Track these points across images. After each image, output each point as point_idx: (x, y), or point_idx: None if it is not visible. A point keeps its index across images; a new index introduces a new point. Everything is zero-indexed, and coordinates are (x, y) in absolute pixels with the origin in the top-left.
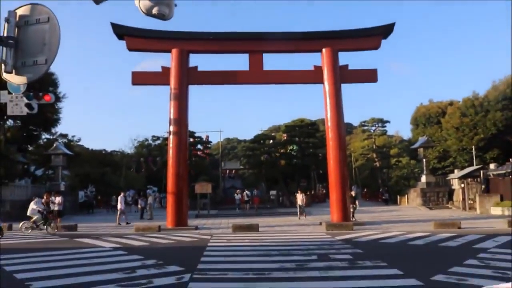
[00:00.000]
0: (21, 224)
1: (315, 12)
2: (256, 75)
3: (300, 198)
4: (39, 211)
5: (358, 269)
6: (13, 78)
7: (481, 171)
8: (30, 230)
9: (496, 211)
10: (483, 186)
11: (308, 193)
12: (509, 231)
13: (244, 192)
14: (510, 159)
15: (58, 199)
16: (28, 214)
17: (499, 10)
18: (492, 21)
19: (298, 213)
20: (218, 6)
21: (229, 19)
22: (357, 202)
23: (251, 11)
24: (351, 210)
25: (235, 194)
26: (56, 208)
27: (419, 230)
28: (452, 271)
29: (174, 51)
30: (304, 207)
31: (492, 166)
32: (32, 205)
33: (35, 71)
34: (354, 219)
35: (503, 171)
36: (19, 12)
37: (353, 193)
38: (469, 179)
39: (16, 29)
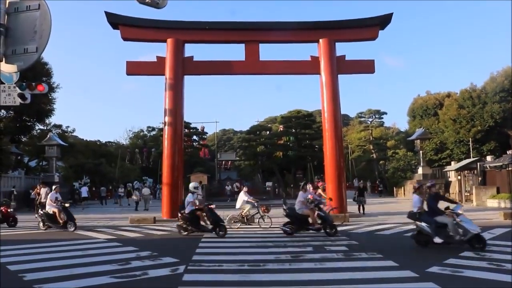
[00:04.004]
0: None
1: (313, 9)
2: (252, 65)
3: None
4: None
5: (354, 261)
6: (3, 67)
7: (478, 163)
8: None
9: (493, 203)
10: (479, 178)
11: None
12: (505, 224)
13: (234, 184)
14: (507, 152)
15: (43, 190)
16: (237, 206)
17: (497, 1)
18: (491, 12)
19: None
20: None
21: (226, 12)
22: (365, 195)
23: (247, 6)
24: (359, 204)
25: (226, 186)
26: (43, 200)
27: None
28: (447, 263)
29: (169, 41)
30: None
31: (489, 158)
32: (243, 197)
33: (25, 60)
34: (362, 213)
35: (500, 164)
36: None
37: (361, 184)
38: (466, 171)
39: (6, 17)
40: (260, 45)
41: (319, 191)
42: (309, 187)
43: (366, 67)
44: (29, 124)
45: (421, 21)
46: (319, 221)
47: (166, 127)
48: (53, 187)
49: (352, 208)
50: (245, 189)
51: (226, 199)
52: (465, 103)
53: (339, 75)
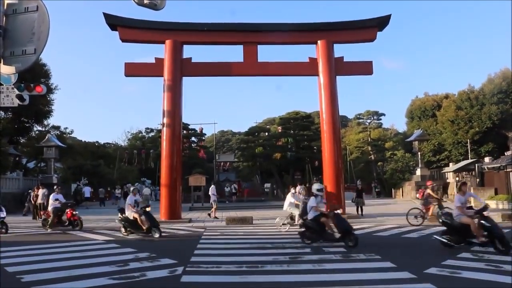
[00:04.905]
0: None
1: (311, 10)
2: (251, 67)
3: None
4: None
5: (352, 262)
6: (1, 68)
7: (476, 165)
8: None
9: (491, 204)
10: (477, 180)
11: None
12: (503, 225)
13: (232, 185)
14: (505, 153)
15: (41, 191)
16: (284, 208)
17: (495, 2)
18: (489, 14)
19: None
20: (214, 1)
21: (226, 13)
22: (363, 196)
23: (245, 7)
24: (357, 205)
25: (225, 187)
26: (39, 201)
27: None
28: (445, 264)
29: (167, 42)
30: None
31: (487, 159)
32: (290, 198)
33: (23, 61)
34: (361, 214)
35: (498, 165)
36: (7, 0)
37: (359, 186)
38: (464, 173)
39: (4, 18)
40: (259, 46)
41: (428, 190)
42: (298, 189)
43: (364, 68)
44: (27, 125)
45: (419, 23)
46: (484, 233)
47: (165, 128)
48: (131, 189)
49: (352, 209)
50: (292, 190)
51: (225, 201)
52: (463, 105)
53: (337, 77)
